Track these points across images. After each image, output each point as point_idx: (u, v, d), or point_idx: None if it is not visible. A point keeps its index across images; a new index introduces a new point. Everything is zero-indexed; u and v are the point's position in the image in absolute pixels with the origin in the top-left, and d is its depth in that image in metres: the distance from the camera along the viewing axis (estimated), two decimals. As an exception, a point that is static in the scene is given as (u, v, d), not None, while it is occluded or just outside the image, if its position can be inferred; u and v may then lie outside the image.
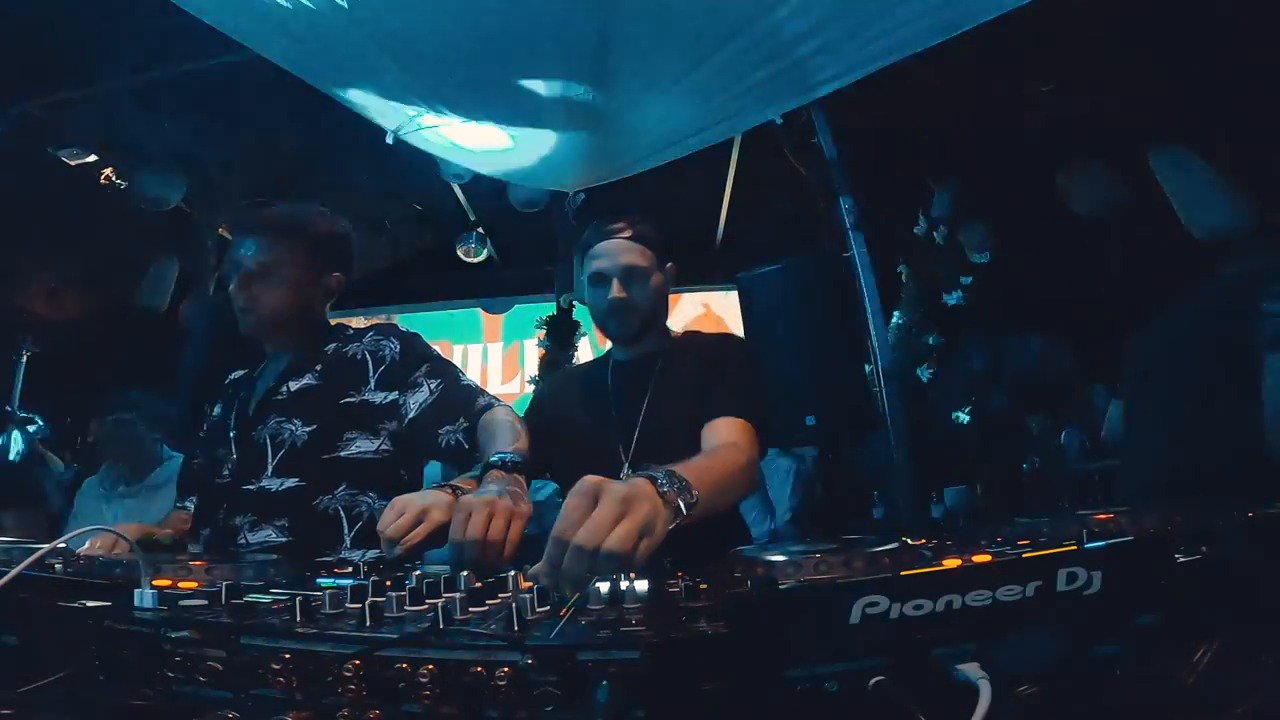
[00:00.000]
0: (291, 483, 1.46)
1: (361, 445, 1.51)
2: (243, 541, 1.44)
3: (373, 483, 1.50)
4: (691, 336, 1.76)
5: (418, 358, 1.57)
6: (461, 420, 1.47)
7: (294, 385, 1.55)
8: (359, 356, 1.57)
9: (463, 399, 1.50)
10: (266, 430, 1.51)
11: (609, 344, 1.74)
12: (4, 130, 3.44)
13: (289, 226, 1.60)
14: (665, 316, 1.70)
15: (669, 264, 1.66)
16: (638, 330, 1.62)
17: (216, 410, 1.67)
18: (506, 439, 1.34)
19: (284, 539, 1.43)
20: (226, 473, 1.52)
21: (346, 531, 1.46)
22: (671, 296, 1.73)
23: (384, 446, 1.52)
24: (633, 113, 2.50)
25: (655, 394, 1.59)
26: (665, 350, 1.66)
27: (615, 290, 1.57)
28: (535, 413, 1.75)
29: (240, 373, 1.73)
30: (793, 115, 3.60)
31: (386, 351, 1.57)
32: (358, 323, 1.89)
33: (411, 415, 1.52)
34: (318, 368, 1.56)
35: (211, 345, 3.65)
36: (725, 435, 1.39)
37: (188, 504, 1.63)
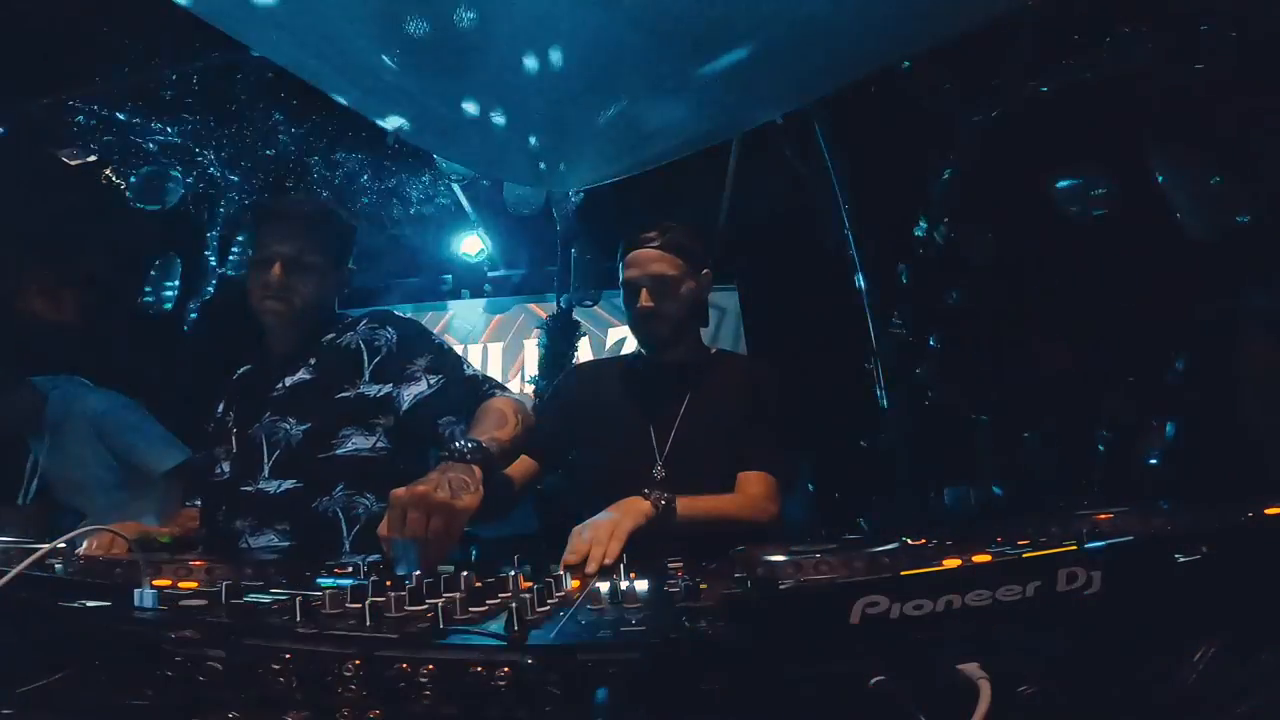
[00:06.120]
0: (289, 484, 1.43)
1: (357, 442, 1.47)
2: (245, 546, 1.41)
3: (370, 483, 1.45)
4: (727, 354, 1.81)
5: (417, 348, 1.53)
6: (465, 414, 1.44)
7: (290, 380, 1.52)
8: (353, 346, 1.53)
9: (465, 393, 1.47)
10: (262, 429, 1.48)
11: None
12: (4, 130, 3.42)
13: (321, 216, 1.61)
14: (701, 323, 1.71)
15: (705, 270, 1.66)
16: (667, 338, 1.63)
17: (220, 407, 1.64)
18: (489, 426, 1.31)
19: (286, 543, 1.40)
20: (221, 471, 1.50)
21: (345, 535, 1.42)
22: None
23: (380, 444, 1.48)
24: (631, 114, 2.49)
25: (693, 402, 1.59)
26: (703, 360, 1.68)
27: (643, 299, 1.59)
28: (554, 407, 1.73)
29: (246, 368, 1.69)
30: (793, 115, 3.59)
31: (382, 341, 1.53)
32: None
33: (405, 408, 1.48)
34: (312, 361, 1.52)
35: (213, 343, 3.62)
36: (755, 492, 1.49)
37: (198, 502, 1.60)
